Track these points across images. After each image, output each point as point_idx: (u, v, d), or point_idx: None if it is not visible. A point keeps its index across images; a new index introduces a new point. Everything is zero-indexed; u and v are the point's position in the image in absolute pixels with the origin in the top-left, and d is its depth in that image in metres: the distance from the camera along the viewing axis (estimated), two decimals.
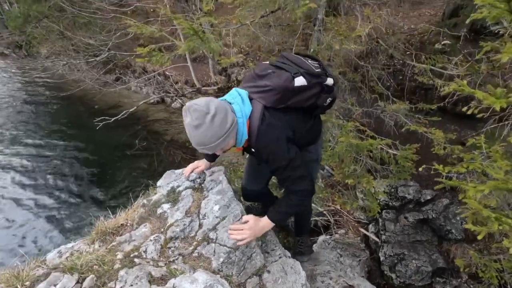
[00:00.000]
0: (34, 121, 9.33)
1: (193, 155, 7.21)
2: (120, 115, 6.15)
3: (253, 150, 1.40)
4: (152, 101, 9.63)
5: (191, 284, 1.06)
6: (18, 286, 1.07)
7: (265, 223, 1.47)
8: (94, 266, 1.14)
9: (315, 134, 1.70)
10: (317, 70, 1.47)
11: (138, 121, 8.92)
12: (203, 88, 7.47)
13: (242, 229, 1.43)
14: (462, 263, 2.63)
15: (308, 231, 2.58)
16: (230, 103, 1.34)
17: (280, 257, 1.65)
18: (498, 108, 1.21)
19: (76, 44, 8.32)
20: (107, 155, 7.42)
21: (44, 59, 10.80)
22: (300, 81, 1.40)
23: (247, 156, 1.91)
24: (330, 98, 1.53)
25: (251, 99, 1.39)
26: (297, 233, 2.47)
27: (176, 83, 10.11)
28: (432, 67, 2.69)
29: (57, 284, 1.02)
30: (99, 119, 5.92)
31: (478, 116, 1.89)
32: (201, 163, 1.89)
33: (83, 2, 7.77)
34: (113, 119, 6.04)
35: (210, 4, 2.92)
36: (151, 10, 9.54)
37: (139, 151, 7.35)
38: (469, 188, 1.30)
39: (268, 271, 1.53)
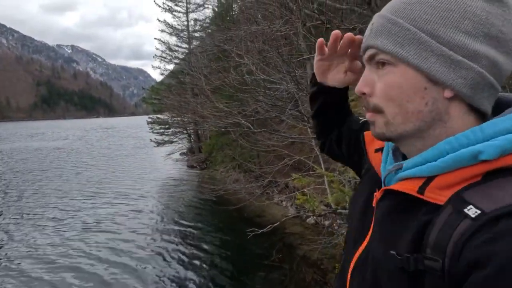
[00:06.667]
0: (196, 217, 12.12)
1: (323, 277, 7.31)
2: (266, 228, 7.36)
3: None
4: (289, 214, 10.86)
5: None
6: None
7: None
8: None
9: None
10: None
11: (276, 231, 10.03)
12: (338, 210, 8.04)
13: None
14: None
15: None
16: None
17: None
18: None
19: (242, 167, 11.11)
20: (248, 260, 8.58)
21: (218, 173, 14.60)
22: None
23: None
24: None
25: None
26: None
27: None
28: None
29: None
30: (249, 229, 7.30)
31: None
32: None
33: (253, 138, 10.76)
34: (260, 231, 7.30)
35: None
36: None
37: (274, 262, 8.14)
38: None
39: None
